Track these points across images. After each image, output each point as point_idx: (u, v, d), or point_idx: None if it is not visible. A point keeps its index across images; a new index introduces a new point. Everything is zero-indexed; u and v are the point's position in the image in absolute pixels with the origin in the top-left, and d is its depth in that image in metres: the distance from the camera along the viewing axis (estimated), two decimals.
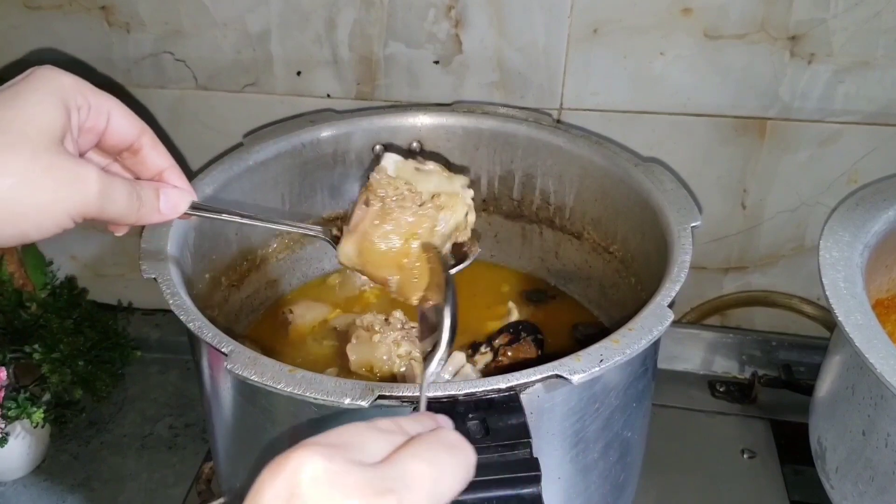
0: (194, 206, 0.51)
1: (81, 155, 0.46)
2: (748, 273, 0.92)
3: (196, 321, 0.55)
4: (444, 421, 0.37)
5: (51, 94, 0.43)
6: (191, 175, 0.72)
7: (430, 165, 0.61)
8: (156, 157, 0.49)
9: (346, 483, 0.29)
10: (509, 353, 0.71)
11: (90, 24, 0.87)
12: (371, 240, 0.57)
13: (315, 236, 0.61)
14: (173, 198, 0.50)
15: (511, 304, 0.80)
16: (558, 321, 0.79)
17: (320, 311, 0.80)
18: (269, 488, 0.29)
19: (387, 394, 0.48)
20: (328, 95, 0.88)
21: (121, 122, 0.47)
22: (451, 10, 0.81)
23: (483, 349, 0.72)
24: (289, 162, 0.78)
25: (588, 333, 0.77)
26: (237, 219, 0.56)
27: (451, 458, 0.32)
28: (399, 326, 0.74)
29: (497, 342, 0.72)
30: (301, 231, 0.60)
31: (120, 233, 0.52)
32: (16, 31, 0.89)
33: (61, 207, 0.43)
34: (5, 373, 0.77)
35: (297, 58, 0.86)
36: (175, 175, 0.51)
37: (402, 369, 0.70)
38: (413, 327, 0.74)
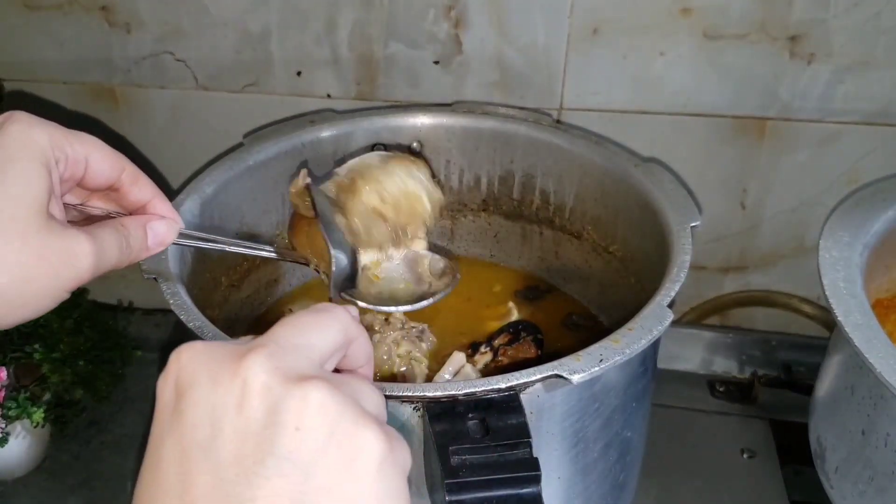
0: (181, 234, 0.51)
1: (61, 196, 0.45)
2: (748, 273, 0.92)
3: (196, 321, 0.55)
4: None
5: (30, 160, 0.41)
6: (191, 175, 0.73)
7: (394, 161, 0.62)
8: (138, 191, 0.48)
9: (216, 353, 0.32)
10: (509, 353, 0.71)
11: (90, 24, 0.87)
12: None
13: (304, 264, 0.60)
14: (161, 232, 0.49)
15: (511, 304, 0.80)
16: (556, 318, 0.80)
17: None
18: (161, 386, 0.32)
19: (387, 393, 0.48)
20: (328, 95, 0.88)
21: (100, 166, 0.46)
22: (451, 10, 0.81)
23: (483, 349, 0.72)
24: (289, 162, 0.78)
25: (581, 323, 0.77)
26: (222, 247, 0.56)
27: (315, 316, 0.35)
28: (399, 326, 0.74)
29: (497, 342, 0.72)
30: (288, 260, 0.59)
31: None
32: (16, 31, 0.89)
33: (57, 287, 0.42)
34: (5, 373, 0.77)
35: (298, 58, 0.86)
36: (160, 205, 0.49)
37: (403, 369, 0.70)
38: (413, 327, 0.74)
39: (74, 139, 0.44)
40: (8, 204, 0.40)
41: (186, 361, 0.32)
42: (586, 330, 0.79)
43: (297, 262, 0.60)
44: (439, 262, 0.68)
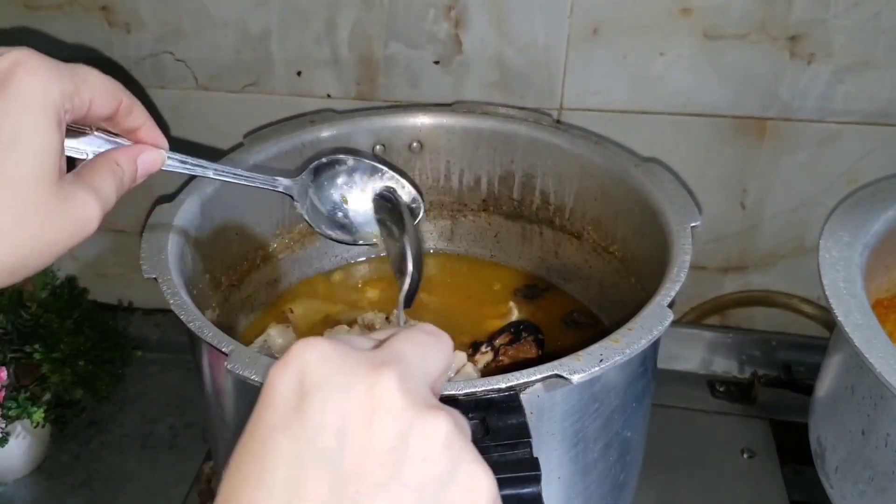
0: (170, 159, 0.53)
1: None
2: (748, 273, 0.92)
3: (196, 321, 0.55)
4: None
5: (42, 111, 0.42)
6: (191, 176, 0.73)
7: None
8: (132, 120, 0.49)
9: (349, 360, 0.31)
10: (510, 353, 0.71)
11: (90, 24, 0.87)
12: None
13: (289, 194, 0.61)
14: (148, 161, 0.51)
15: (511, 304, 0.80)
16: (556, 316, 0.80)
17: (321, 309, 0.80)
18: (279, 378, 0.30)
19: None
20: (328, 95, 0.88)
21: (101, 105, 0.46)
22: (451, 10, 0.81)
23: (484, 349, 0.72)
24: (289, 162, 0.78)
25: (581, 321, 0.77)
26: (210, 173, 0.57)
27: (433, 339, 0.35)
28: (400, 325, 0.74)
29: (498, 342, 0.72)
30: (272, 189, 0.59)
31: None
32: (16, 31, 0.89)
33: (68, 245, 0.44)
34: (6, 372, 0.77)
35: (298, 58, 0.86)
36: (149, 130, 0.51)
37: None
38: (414, 325, 0.74)
39: (81, 83, 0.45)
40: (15, 165, 0.41)
41: (316, 360, 0.30)
42: (587, 327, 0.79)
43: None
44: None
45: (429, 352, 0.34)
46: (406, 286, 0.50)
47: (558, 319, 0.80)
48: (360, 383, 0.30)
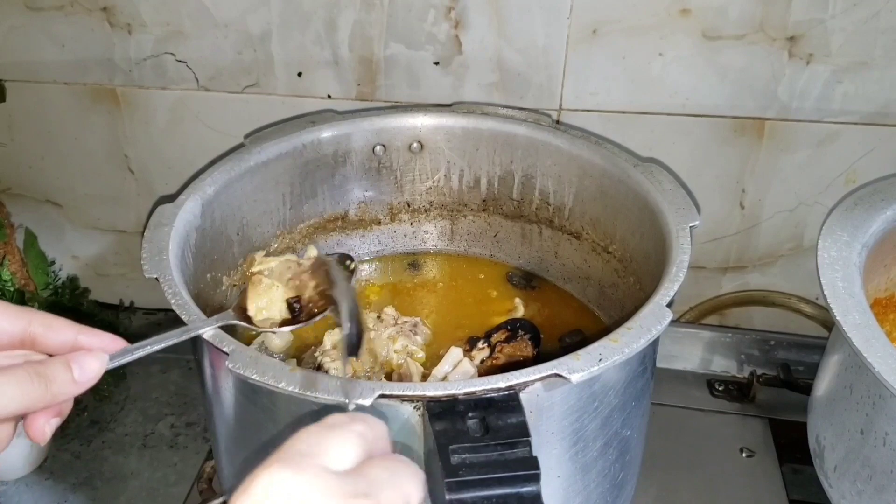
0: (114, 355, 0.48)
1: None
2: (747, 273, 0.92)
3: (197, 321, 0.56)
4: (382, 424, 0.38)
5: None
6: (192, 176, 0.73)
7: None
8: (55, 335, 0.45)
9: (321, 489, 0.29)
10: (506, 351, 0.71)
11: (91, 25, 0.87)
12: None
13: (234, 323, 0.58)
14: (87, 364, 0.45)
15: (518, 300, 0.81)
16: (550, 308, 0.81)
17: None
18: None
19: (388, 392, 0.49)
20: (329, 96, 0.88)
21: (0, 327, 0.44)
22: (450, 11, 0.81)
23: (480, 345, 0.72)
24: (290, 162, 0.78)
25: (574, 341, 0.77)
26: (150, 349, 0.54)
27: (409, 470, 0.34)
28: (392, 322, 0.75)
29: (494, 338, 0.73)
30: (213, 327, 0.56)
31: (39, 433, 0.45)
32: (17, 31, 0.89)
33: None
34: None
35: (298, 59, 0.86)
36: (87, 340, 0.46)
37: (401, 362, 0.70)
38: (406, 322, 0.74)
39: None
40: None
41: (277, 498, 0.29)
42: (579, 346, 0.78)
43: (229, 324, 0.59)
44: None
45: (406, 482, 0.34)
46: (345, 342, 0.51)
47: (555, 315, 0.81)
48: None
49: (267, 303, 0.61)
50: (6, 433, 0.44)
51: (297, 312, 0.61)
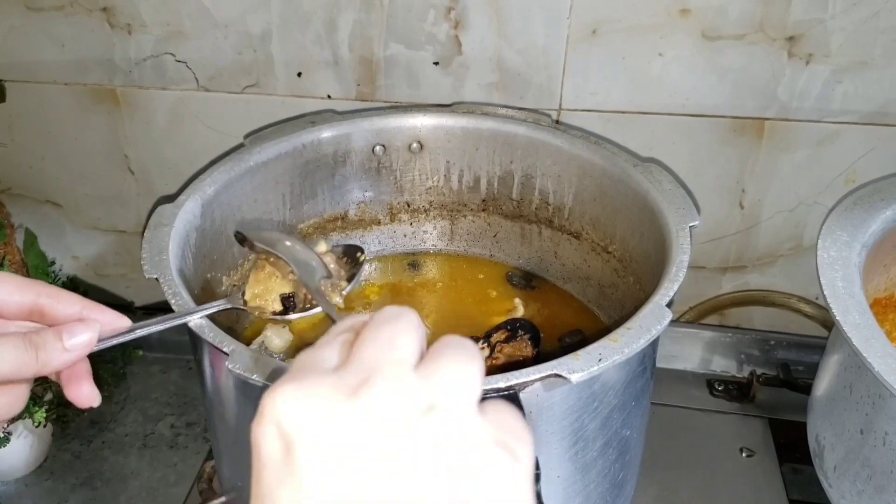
0: (116, 332, 0.49)
1: None
2: (746, 272, 0.92)
3: (197, 321, 0.56)
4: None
5: None
6: (192, 176, 0.73)
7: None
8: (63, 308, 0.46)
9: (320, 393, 0.29)
10: (505, 351, 0.71)
11: (91, 25, 0.87)
12: None
13: (228, 309, 0.59)
14: (77, 331, 0.45)
15: (518, 300, 0.81)
16: (549, 309, 0.81)
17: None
18: (261, 437, 0.30)
19: None
20: (329, 96, 0.88)
21: (10, 298, 0.45)
22: (450, 11, 0.81)
23: (480, 345, 0.72)
24: (289, 163, 0.78)
25: (574, 341, 0.77)
26: (151, 328, 0.53)
27: (397, 323, 0.33)
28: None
29: (494, 338, 0.73)
30: (210, 311, 0.57)
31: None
32: (17, 32, 0.89)
33: None
34: None
35: (298, 59, 0.86)
36: (92, 313, 0.47)
37: None
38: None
39: None
40: None
41: (288, 409, 0.29)
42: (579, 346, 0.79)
43: (222, 310, 0.59)
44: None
45: (399, 339, 0.32)
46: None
47: (555, 313, 0.81)
48: (338, 420, 0.29)
49: (263, 290, 0.61)
50: (4, 400, 0.45)
51: (289, 308, 0.61)
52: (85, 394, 0.47)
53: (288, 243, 0.62)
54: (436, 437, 0.28)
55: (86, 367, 0.48)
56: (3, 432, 0.77)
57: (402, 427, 0.28)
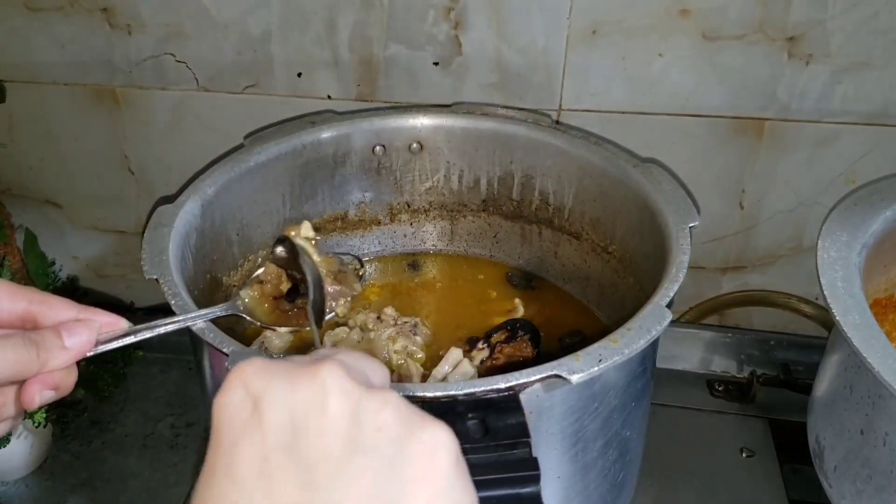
0: (115, 334, 0.48)
1: None
2: (746, 273, 0.92)
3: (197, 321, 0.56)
4: None
5: None
6: (192, 177, 0.73)
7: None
8: (56, 314, 0.46)
9: (287, 364, 0.33)
10: (506, 351, 0.71)
11: (91, 25, 0.87)
12: None
13: (227, 315, 0.59)
14: (77, 330, 0.45)
15: (518, 301, 0.81)
16: (549, 309, 0.81)
17: None
18: (227, 400, 0.32)
19: None
20: (329, 96, 0.88)
21: (1, 307, 0.44)
22: (450, 11, 0.81)
23: (480, 345, 0.72)
24: (289, 163, 0.78)
25: (574, 342, 0.77)
26: (152, 332, 0.52)
27: (368, 359, 0.37)
28: (392, 322, 0.75)
29: (494, 339, 0.73)
30: (212, 316, 0.57)
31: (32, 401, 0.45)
32: (17, 32, 0.89)
33: None
34: None
35: (298, 59, 0.86)
36: (88, 315, 0.47)
37: (401, 362, 0.70)
38: (406, 322, 0.75)
39: None
40: None
41: (254, 373, 0.32)
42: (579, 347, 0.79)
43: (222, 316, 0.59)
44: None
45: (366, 363, 0.36)
46: (310, 308, 0.55)
47: (555, 313, 0.81)
48: (304, 378, 0.32)
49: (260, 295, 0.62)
50: (7, 399, 0.44)
51: (291, 303, 0.61)
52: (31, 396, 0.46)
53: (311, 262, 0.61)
54: (378, 409, 0.32)
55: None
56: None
57: (351, 402, 0.31)
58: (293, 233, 0.65)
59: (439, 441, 0.32)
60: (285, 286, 0.61)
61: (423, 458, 0.31)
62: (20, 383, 0.44)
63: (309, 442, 0.30)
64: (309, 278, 0.56)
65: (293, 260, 0.60)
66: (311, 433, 0.31)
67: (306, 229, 0.67)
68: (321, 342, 0.70)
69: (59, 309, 0.46)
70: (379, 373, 0.36)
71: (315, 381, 0.32)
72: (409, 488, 0.30)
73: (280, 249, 0.60)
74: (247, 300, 0.61)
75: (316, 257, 0.67)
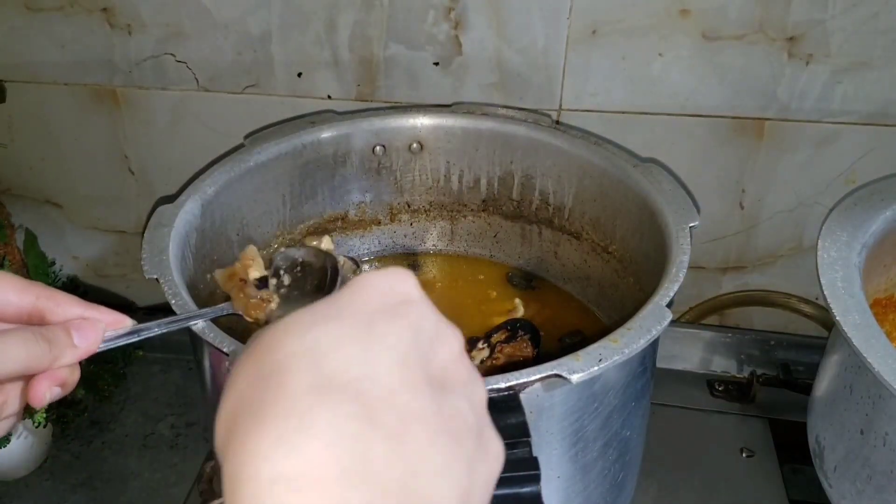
0: (120, 333, 0.49)
1: None
2: (746, 273, 0.92)
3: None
4: None
5: None
6: (192, 177, 0.73)
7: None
8: (63, 311, 0.46)
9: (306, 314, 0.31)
10: (506, 351, 0.71)
11: (91, 25, 0.87)
12: None
13: (237, 315, 0.59)
14: (85, 329, 0.45)
15: (518, 301, 0.81)
16: (550, 309, 0.81)
17: None
18: (255, 345, 0.30)
19: None
20: (329, 97, 0.88)
21: (9, 301, 0.44)
22: (450, 11, 0.81)
23: (480, 345, 0.72)
24: (289, 163, 0.78)
25: (574, 342, 0.77)
26: (155, 332, 0.53)
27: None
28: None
29: (494, 339, 0.73)
30: (214, 316, 0.57)
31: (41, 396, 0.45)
32: (17, 32, 0.89)
33: None
34: None
35: (298, 59, 0.86)
36: (94, 314, 0.47)
37: None
38: None
39: None
40: None
41: (414, 281, 0.34)
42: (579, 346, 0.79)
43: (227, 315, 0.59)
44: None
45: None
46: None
47: (555, 313, 0.81)
48: (326, 313, 0.30)
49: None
50: (11, 396, 0.44)
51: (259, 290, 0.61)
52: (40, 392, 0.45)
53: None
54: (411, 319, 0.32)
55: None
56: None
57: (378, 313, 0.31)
58: (315, 242, 0.66)
59: (498, 452, 0.33)
60: (255, 273, 0.61)
61: (490, 463, 0.31)
62: (25, 380, 0.44)
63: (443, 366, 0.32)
64: (340, 275, 0.56)
65: (312, 255, 0.60)
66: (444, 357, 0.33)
67: (327, 243, 0.68)
68: None
69: (67, 305, 0.46)
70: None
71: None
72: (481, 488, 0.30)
73: (314, 244, 0.61)
74: (218, 277, 0.60)
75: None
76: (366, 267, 0.87)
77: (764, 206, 0.87)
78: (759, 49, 0.79)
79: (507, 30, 0.82)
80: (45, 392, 0.44)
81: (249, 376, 0.28)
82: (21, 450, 0.82)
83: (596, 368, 0.50)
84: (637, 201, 0.71)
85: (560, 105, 0.85)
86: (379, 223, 0.87)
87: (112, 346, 0.48)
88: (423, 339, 0.32)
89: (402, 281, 0.33)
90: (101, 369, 0.88)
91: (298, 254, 0.60)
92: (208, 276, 0.72)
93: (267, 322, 0.59)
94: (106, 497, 0.82)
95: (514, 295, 0.83)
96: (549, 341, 0.75)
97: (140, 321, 0.51)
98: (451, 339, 0.34)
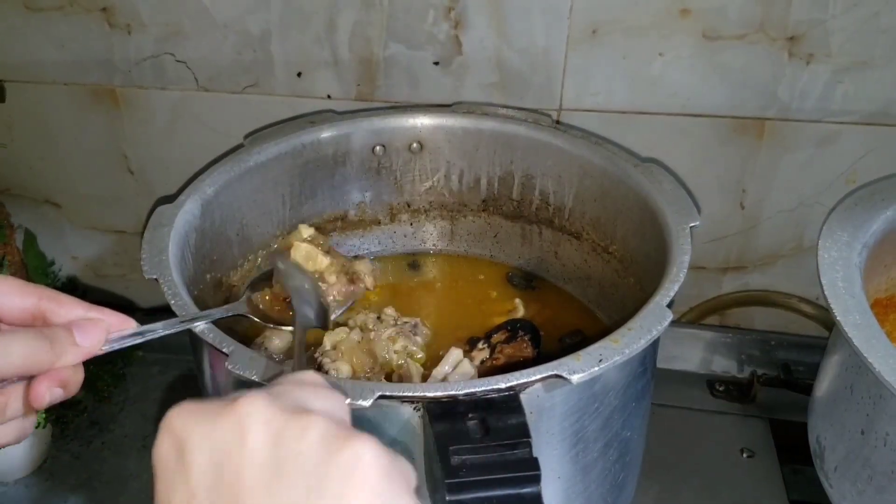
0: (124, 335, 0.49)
1: None
2: (747, 273, 0.92)
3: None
4: None
5: None
6: (192, 177, 0.73)
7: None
8: (65, 312, 0.46)
9: (210, 405, 0.34)
10: (506, 351, 0.71)
11: (91, 25, 0.87)
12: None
13: (241, 315, 0.60)
14: (87, 329, 0.46)
15: (518, 301, 0.81)
16: (550, 309, 0.81)
17: None
18: (157, 451, 0.35)
19: (387, 393, 0.49)
20: (328, 96, 0.88)
21: (11, 303, 0.44)
22: (450, 11, 0.81)
23: (481, 345, 0.72)
24: (289, 163, 0.78)
25: (574, 342, 0.77)
26: (158, 334, 0.53)
27: (314, 386, 0.37)
28: (392, 322, 0.75)
29: (494, 339, 0.73)
30: (222, 315, 0.57)
31: (41, 400, 0.45)
32: (16, 32, 0.89)
33: None
34: None
35: (298, 59, 0.86)
36: (97, 314, 0.47)
37: (401, 362, 0.70)
38: (406, 322, 0.74)
39: None
40: None
41: (178, 418, 0.34)
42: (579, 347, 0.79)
43: (234, 315, 0.61)
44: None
45: (308, 390, 0.36)
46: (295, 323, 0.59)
47: (555, 313, 0.81)
48: (224, 415, 0.33)
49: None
50: (13, 397, 0.44)
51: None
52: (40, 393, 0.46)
53: (299, 284, 0.63)
54: (300, 434, 0.32)
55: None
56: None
57: (271, 432, 0.32)
58: (294, 241, 0.67)
59: (359, 458, 0.32)
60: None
61: (344, 478, 0.31)
62: (27, 382, 0.44)
63: (232, 478, 0.31)
64: (294, 302, 0.59)
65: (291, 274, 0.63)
66: (233, 468, 0.32)
67: (305, 231, 0.68)
68: (322, 342, 0.70)
69: (69, 307, 0.46)
70: (323, 396, 0.36)
71: (234, 416, 0.32)
72: None
73: (278, 268, 0.63)
74: (260, 306, 0.61)
75: (321, 258, 0.68)
76: (366, 262, 0.87)
77: (764, 205, 0.87)
78: (759, 49, 0.79)
79: (507, 29, 0.81)
80: (46, 392, 0.44)
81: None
82: (21, 450, 0.82)
83: (596, 369, 0.50)
84: (638, 201, 0.71)
85: (560, 105, 0.85)
86: (379, 223, 0.87)
87: (117, 348, 0.48)
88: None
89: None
90: (100, 370, 0.88)
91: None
92: (208, 276, 0.71)
93: (280, 323, 0.62)
94: (105, 497, 0.82)
95: (514, 295, 0.83)
96: (549, 341, 0.75)
97: (140, 322, 0.51)
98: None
